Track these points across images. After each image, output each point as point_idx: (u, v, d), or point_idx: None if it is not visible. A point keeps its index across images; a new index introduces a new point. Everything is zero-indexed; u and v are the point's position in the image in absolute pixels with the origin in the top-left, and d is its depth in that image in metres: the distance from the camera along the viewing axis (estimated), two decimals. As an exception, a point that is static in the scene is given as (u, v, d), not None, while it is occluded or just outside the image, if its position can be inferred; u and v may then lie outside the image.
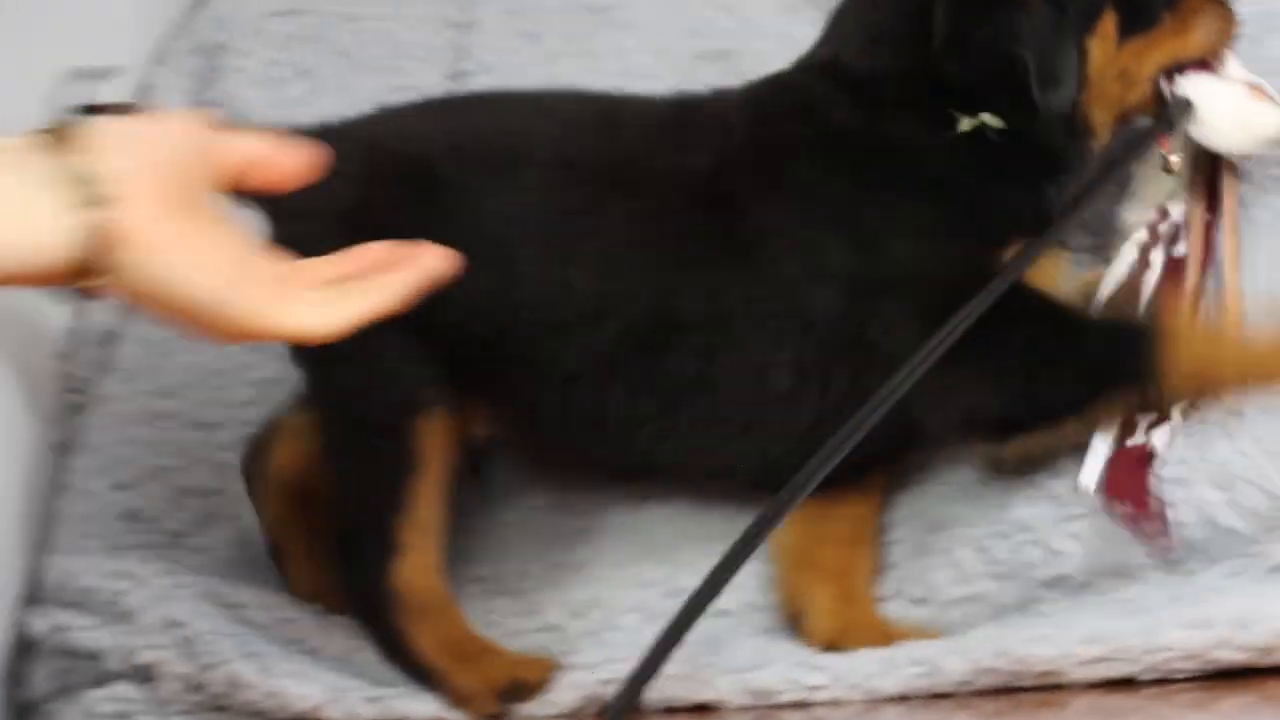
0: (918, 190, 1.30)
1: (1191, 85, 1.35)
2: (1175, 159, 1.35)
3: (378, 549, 1.33)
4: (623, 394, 1.33)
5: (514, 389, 1.35)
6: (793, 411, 1.31)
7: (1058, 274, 1.33)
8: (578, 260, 1.33)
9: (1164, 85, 1.35)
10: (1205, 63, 1.37)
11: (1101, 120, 1.33)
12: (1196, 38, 1.35)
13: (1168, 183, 1.37)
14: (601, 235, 1.33)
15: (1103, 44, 1.31)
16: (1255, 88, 1.37)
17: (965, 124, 1.30)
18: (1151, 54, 1.34)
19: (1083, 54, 1.29)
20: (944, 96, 1.30)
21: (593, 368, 1.33)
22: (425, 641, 1.33)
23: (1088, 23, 1.29)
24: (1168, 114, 1.35)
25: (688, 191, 1.33)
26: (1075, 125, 1.31)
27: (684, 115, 1.38)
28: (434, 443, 1.33)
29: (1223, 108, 1.35)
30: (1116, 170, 1.35)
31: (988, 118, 1.29)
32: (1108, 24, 1.31)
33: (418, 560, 1.33)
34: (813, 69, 1.36)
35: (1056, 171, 1.33)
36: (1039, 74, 1.26)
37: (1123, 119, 1.36)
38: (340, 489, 1.36)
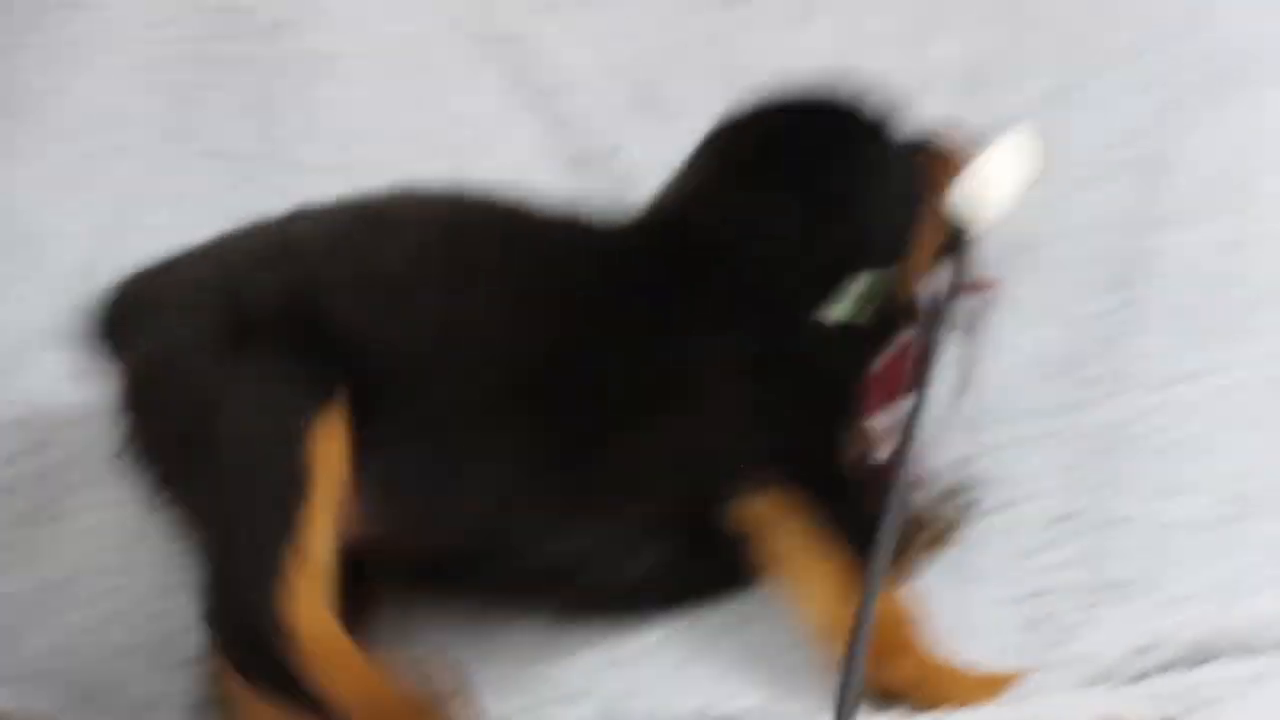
0: (786, 362, 1.33)
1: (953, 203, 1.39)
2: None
3: (262, 584, 1.23)
4: (506, 445, 1.30)
5: (388, 440, 1.29)
6: (641, 494, 1.32)
7: None
8: (472, 305, 1.31)
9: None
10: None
11: (928, 262, 1.38)
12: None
13: None
14: (500, 286, 1.33)
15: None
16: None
17: (837, 308, 1.35)
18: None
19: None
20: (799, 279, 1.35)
21: (479, 413, 1.30)
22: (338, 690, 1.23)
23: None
24: (960, 241, 1.37)
25: (591, 259, 1.35)
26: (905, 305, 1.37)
27: (574, 223, 1.39)
28: (329, 460, 1.26)
29: (990, 191, 1.38)
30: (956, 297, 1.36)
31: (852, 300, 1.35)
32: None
33: (308, 599, 1.24)
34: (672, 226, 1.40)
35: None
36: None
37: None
38: (210, 529, 1.28)
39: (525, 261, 1.35)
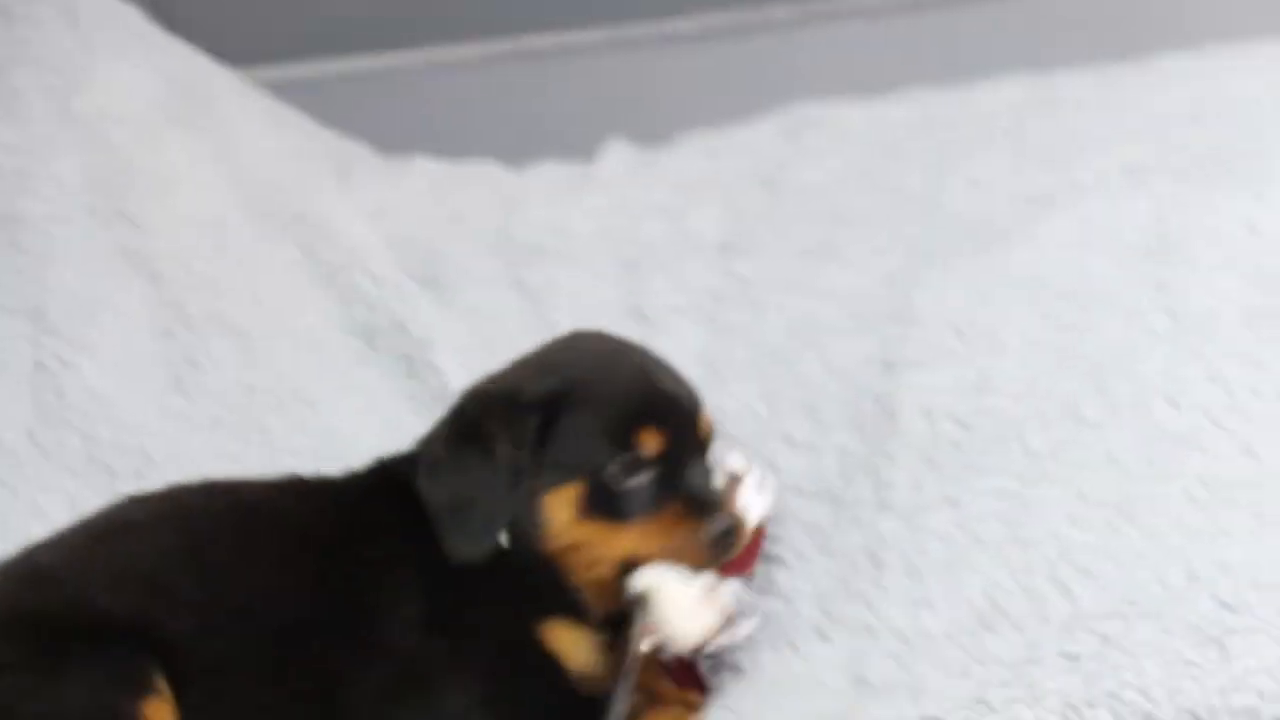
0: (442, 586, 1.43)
1: (650, 578, 1.43)
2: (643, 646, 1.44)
3: None
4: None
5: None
6: None
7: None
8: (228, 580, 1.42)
9: (627, 578, 1.43)
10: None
11: (581, 577, 1.44)
12: (666, 545, 1.43)
13: None
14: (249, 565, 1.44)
15: (562, 511, 1.43)
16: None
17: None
18: (617, 540, 1.43)
19: (536, 510, 1.43)
20: None
21: (246, 666, 1.39)
22: None
23: (550, 485, 1.43)
24: (628, 603, 1.43)
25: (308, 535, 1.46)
26: (543, 567, 1.44)
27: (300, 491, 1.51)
28: None
29: (673, 605, 1.42)
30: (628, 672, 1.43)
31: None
32: (570, 493, 1.43)
33: None
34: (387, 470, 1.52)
35: (543, 600, 1.45)
36: (450, 517, 1.43)
37: (611, 590, 1.44)
38: None
39: (257, 542, 1.46)
